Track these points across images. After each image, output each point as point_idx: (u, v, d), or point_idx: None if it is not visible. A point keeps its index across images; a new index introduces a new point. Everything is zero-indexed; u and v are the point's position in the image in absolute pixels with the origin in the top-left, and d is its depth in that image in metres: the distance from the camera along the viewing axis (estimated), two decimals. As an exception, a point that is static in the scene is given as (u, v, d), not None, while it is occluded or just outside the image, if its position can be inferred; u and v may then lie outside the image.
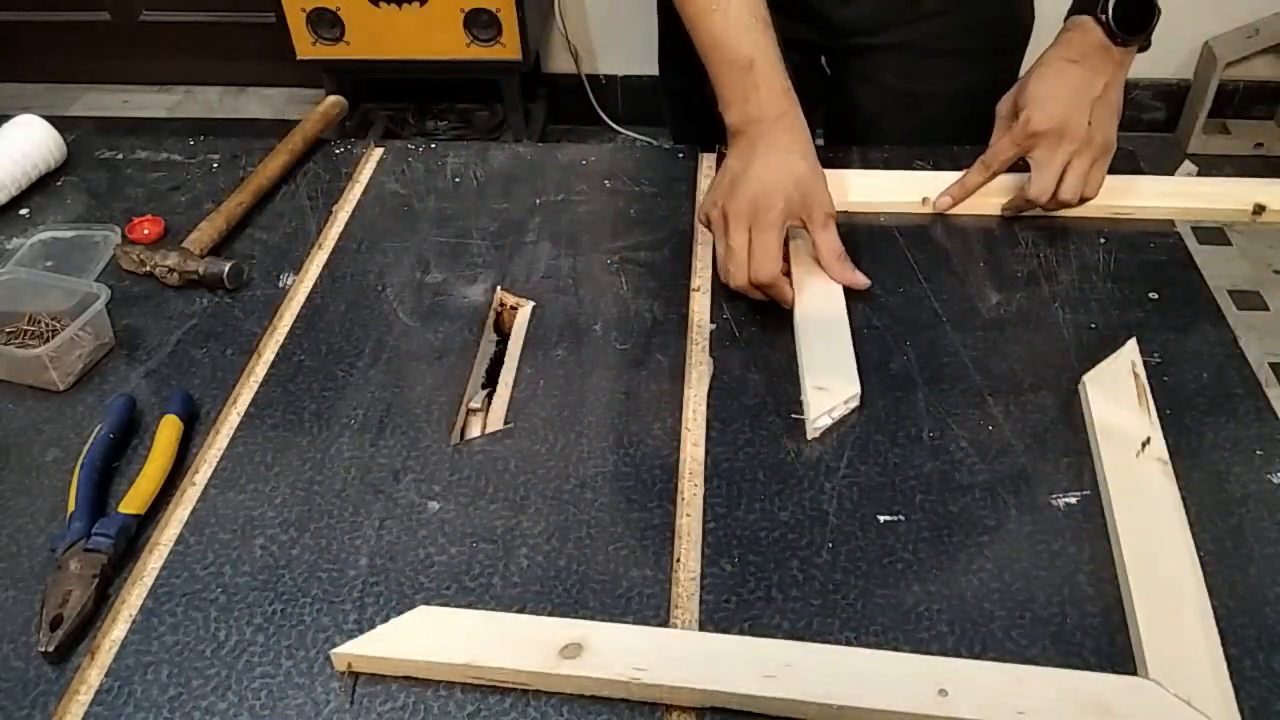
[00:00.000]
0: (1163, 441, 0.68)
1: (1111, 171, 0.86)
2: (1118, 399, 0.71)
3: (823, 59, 1.13)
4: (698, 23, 0.84)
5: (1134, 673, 0.57)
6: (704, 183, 0.98)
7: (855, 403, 0.72)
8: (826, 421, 0.71)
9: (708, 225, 0.84)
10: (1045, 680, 0.55)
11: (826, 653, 0.57)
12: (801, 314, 0.80)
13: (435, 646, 0.58)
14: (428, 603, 0.61)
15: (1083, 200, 0.86)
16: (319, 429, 0.73)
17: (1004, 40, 1.04)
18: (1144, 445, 0.67)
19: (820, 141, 0.96)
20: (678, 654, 0.57)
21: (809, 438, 0.71)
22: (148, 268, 0.87)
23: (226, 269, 0.85)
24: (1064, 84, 0.84)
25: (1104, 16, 0.83)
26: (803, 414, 0.72)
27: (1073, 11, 0.86)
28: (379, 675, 0.58)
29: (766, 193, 0.79)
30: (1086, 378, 0.73)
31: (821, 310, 0.80)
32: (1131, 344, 0.75)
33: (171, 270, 0.85)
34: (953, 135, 0.99)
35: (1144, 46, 0.86)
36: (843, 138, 1.13)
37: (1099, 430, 0.69)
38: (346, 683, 0.58)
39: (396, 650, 0.58)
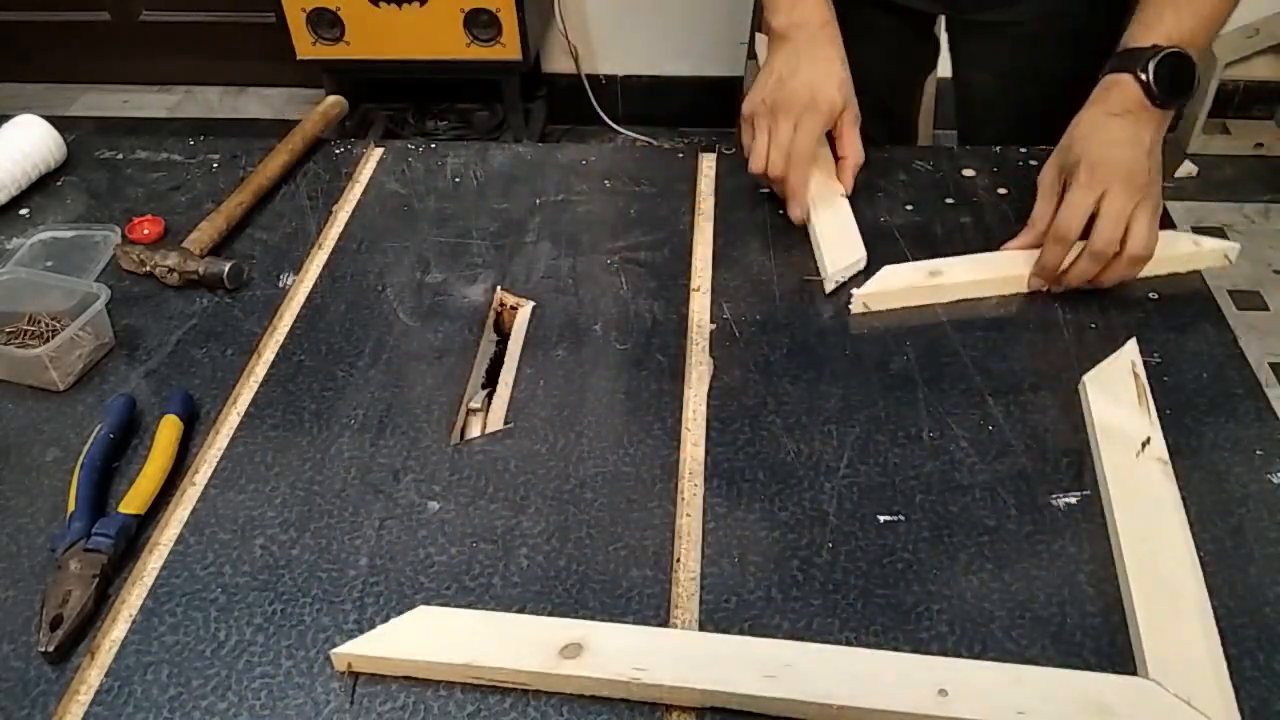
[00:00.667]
0: (1163, 441, 0.68)
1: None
2: (1118, 399, 0.71)
3: (937, 31, 1.15)
4: None
5: (1134, 673, 0.57)
6: (704, 183, 0.98)
7: (863, 265, 0.84)
8: (842, 278, 0.83)
9: (749, 120, 0.91)
10: (1045, 680, 0.55)
11: (826, 653, 0.57)
12: (813, 198, 0.89)
13: (435, 646, 0.58)
14: (428, 603, 0.61)
15: (1142, 258, 0.78)
16: (319, 429, 0.73)
17: (1115, 22, 0.94)
18: (1144, 445, 0.67)
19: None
20: (678, 654, 0.57)
21: (827, 292, 0.83)
22: (148, 268, 0.87)
23: (226, 269, 0.85)
24: (1117, 134, 0.79)
25: (1144, 76, 0.79)
26: (818, 275, 0.84)
27: (1110, 70, 0.82)
28: (379, 675, 0.58)
29: (817, 93, 0.87)
30: (1086, 378, 0.73)
31: (827, 195, 0.90)
32: (1131, 344, 0.75)
33: (171, 270, 0.85)
34: (1059, 119, 0.89)
35: (1179, 112, 0.83)
36: (955, 112, 1.14)
37: (1099, 430, 0.69)
38: (346, 683, 0.58)
39: (396, 650, 0.58)
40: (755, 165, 0.89)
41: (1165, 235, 0.81)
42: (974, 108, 1.13)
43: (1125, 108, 0.80)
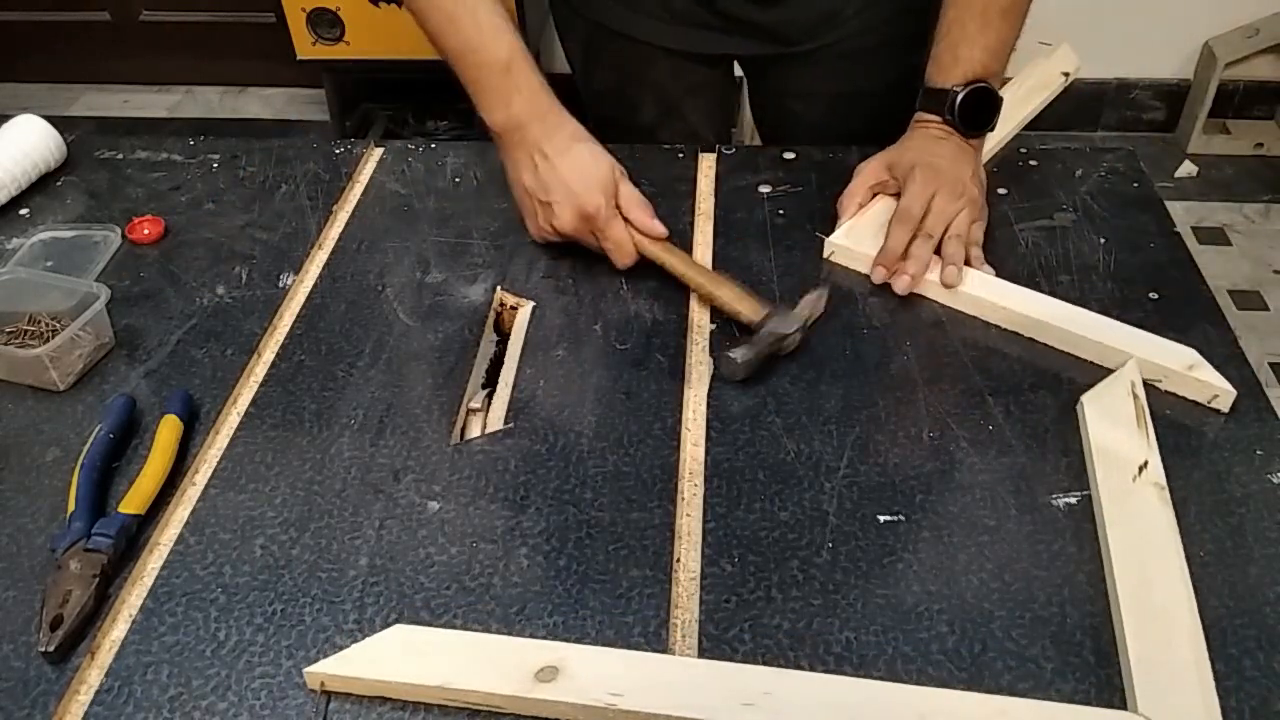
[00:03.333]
0: (1160, 465, 0.66)
1: (1115, 174, 0.86)
2: (1116, 421, 0.69)
3: (737, 73, 1.14)
4: (445, 28, 0.86)
5: (1124, 706, 0.55)
6: (704, 183, 0.98)
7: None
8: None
9: (544, 238, 0.87)
10: (1030, 713, 0.54)
11: (807, 680, 0.56)
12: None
13: (409, 667, 0.57)
14: (428, 603, 0.61)
15: (962, 236, 0.84)
16: (319, 429, 0.73)
17: (926, 21, 0.96)
18: (1141, 469, 0.66)
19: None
20: (655, 680, 0.56)
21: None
22: None
23: None
24: (945, 151, 0.87)
25: (950, 117, 0.86)
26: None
27: (921, 108, 0.90)
28: (354, 695, 0.57)
29: (588, 195, 0.81)
30: (1085, 398, 0.72)
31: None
32: (1132, 364, 0.73)
33: None
34: (896, 127, 0.95)
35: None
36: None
37: (1096, 452, 0.68)
38: (319, 703, 0.57)
39: (370, 670, 0.57)
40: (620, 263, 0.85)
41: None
42: (801, 135, 1.10)
43: (946, 133, 0.88)
